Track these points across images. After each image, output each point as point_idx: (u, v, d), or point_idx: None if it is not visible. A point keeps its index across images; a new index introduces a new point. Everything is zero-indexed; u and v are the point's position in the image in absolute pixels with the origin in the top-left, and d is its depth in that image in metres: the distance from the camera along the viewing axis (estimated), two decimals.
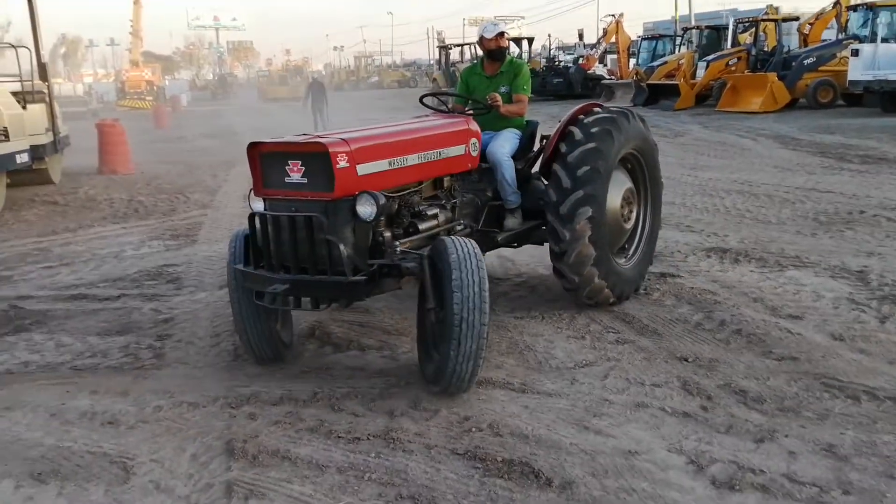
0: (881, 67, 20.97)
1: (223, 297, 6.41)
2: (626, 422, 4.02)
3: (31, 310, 6.26)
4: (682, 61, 28.68)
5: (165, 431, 4.05)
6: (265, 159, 4.47)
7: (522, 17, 58.99)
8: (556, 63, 38.26)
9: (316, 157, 4.31)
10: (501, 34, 5.97)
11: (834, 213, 9.02)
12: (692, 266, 6.98)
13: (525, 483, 3.45)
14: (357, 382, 4.61)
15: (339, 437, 3.92)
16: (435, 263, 4.22)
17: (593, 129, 5.53)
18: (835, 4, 26.35)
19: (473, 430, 3.94)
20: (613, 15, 34.30)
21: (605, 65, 37.69)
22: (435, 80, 39.47)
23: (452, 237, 4.34)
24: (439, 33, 51.65)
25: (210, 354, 5.19)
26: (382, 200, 4.31)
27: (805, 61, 24.39)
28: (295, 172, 4.35)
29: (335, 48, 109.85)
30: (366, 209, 4.34)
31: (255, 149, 4.48)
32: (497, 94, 5.79)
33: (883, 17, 23.19)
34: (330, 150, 4.25)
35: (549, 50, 43.16)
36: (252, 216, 4.43)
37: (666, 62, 29.89)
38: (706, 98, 26.94)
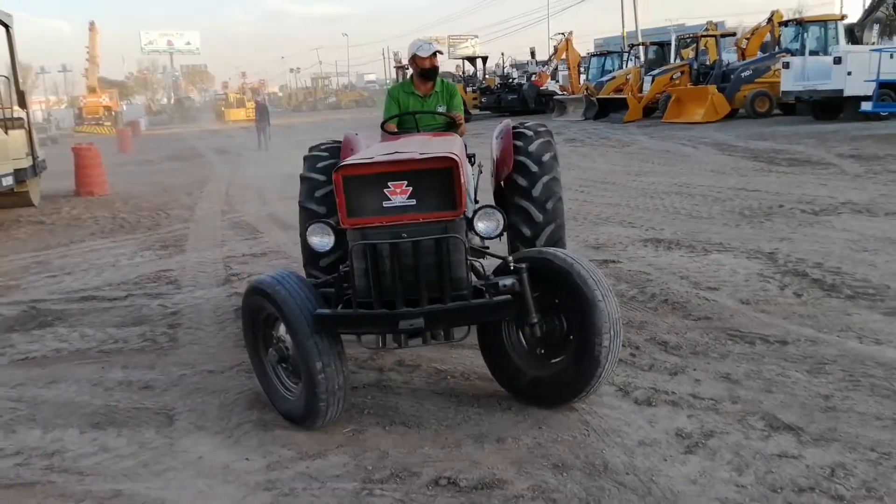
0: (810, 78, 22.47)
1: (220, 294, 7.33)
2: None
3: (49, 309, 7.06)
4: (630, 76, 30.12)
5: (194, 391, 4.94)
6: (352, 184, 3.99)
7: (476, 36, 60.58)
8: (510, 80, 39.62)
9: (432, 174, 3.99)
10: (435, 54, 5.75)
11: (757, 208, 10.15)
12: (631, 254, 8.02)
13: (491, 409, 4.41)
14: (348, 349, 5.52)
15: None
16: (537, 277, 4.13)
17: (544, 158, 5.64)
18: (769, 20, 27.97)
19: (449, 377, 4.89)
20: (563, 33, 35.76)
21: (557, 81, 39.11)
22: None
23: (554, 249, 4.39)
24: (395, 53, 52.68)
25: (219, 336, 6.06)
26: (502, 215, 4.17)
27: (742, 74, 25.96)
28: (398, 195, 3.95)
29: (291, 70, 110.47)
30: (489, 225, 4.17)
31: (341, 173, 4.00)
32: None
33: (812, 32, 24.88)
34: (455, 165, 3.98)
35: (503, 67, 44.50)
36: (363, 248, 3.94)
37: (614, 77, 31.32)
38: (653, 110, 28.31)
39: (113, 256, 9.58)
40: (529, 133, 5.86)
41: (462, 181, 3.99)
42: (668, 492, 3.48)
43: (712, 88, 25.32)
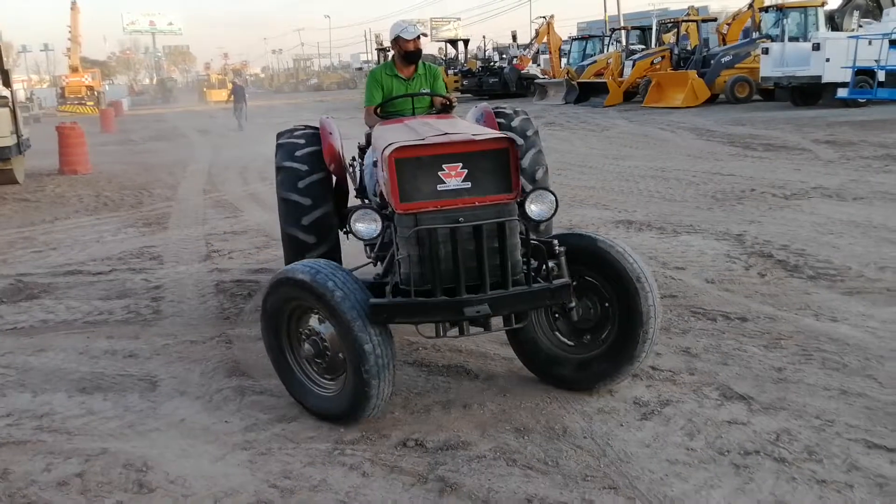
0: (789, 64, 22.76)
1: (202, 269, 7.52)
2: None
3: (35, 283, 7.23)
4: (611, 60, 30.32)
5: (176, 359, 5.16)
6: (405, 167, 3.83)
7: (459, 19, 60.44)
8: (492, 63, 39.73)
9: (487, 155, 3.89)
10: (419, 37, 5.64)
11: (730, 192, 10.41)
12: (602, 235, 8.24)
13: (459, 378, 4.65)
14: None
15: None
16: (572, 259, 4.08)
17: (528, 133, 5.84)
18: (749, 6, 28.20)
19: (420, 348, 5.10)
20: (545, 17, 35.85)
21: (539, 64, 39.26)
22: None
23: (589, 232, 4.44)
24: (377, 35, 52.57)
25: (200, 309, 6.27)
26: (555, 198, 4.10)
27: (723, 59, 26.22)
28: (453, 177, 3.82)
29: (273, 51, 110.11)
30: (542, 208, 4.08)
31: (394, 155, 3.81)
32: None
33: (792, 18, 25.14)
34: (512, 145, 3.91)
35: (485, 51, 44.58)
36: (424, 233, 3.78)
37: (595, 61, 31.50)
38: (633, 95, 28.56)
39: (97, 233, 9.72)
40: (509, 111, 6.06)
41: (518, 162, 3.92)
42: (622, 454, 3.71)
43: (692, 73, 25.57)
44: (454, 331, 4.02)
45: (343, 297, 3.73)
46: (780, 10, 26.07)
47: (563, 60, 36.20)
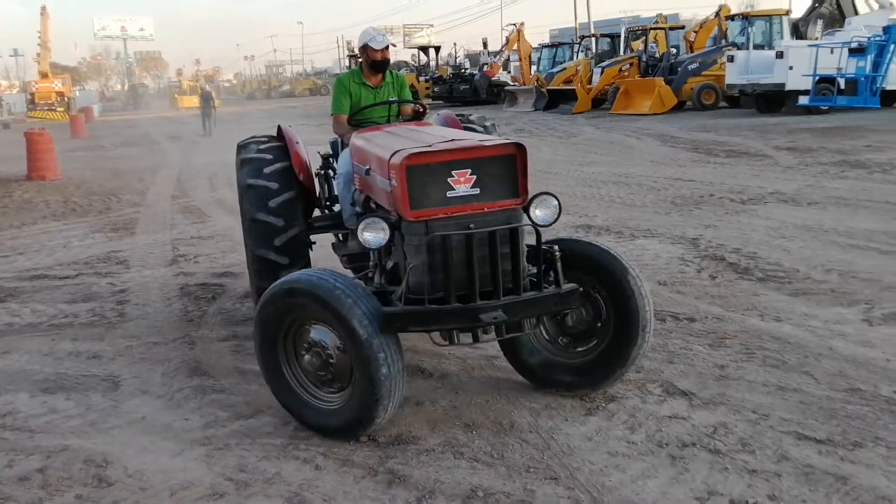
0: (754, 72, 23.22)
1: (168, 274, 7.62)
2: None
3: (1, 287, 7.30)
4: (580, 68, 30.68)
5: (139, 360, 5.28)
6: (415, 174, 3.78)
7: (431, 25, 60.74)
8: (463, 70, 40.03)
9: (495, 161, 3.90)
10: (387, 46, 5.61)
11: (689, 197, 10.67)
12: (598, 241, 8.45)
13: (414, 376, 4.80)
14: None
15: None
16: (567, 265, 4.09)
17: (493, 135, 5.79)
18: (716, 14, 28.71)
19: None
20: (515, 24, 36.19)
21: (509, 71, 39.60)
22: None
23: (591, 239, 4.55)
24: (348, 42, 52.69)
25: (165, 312, 6.38)
26: (559, 202, 4.10)
27: (689, 66, 26.69)
28: (462, 184, 3.81)
29: (246, 57, 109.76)
30: (546, 213, 4.08)
31: (405, 162, 3.76)
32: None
33: (757, 26, 25.67)
34: (522, 151, 3.92)
35: (456, 57, 44.86)
36: (438, 240, 3.74)
37: (564, 69, 31.86)
38: (602, 102, 28.94)
39: (64, 238, 9.77)
40: (473, 118, 6.21)
41: (526, 168, 3.93)
42: (565, 447, 3.89)
43: (659, 81, 26.00)
44: (465, 337, 4.01)
45: (354, 306, 3.65)
46: (746, 18, 26.67)
47: (533, 67, 36.58)
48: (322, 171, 5.87)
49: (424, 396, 4.51)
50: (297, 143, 5.57)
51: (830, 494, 3.37)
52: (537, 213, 4.02)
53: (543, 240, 4.14)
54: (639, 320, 4.20)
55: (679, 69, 26.73)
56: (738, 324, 5.58)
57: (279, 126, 5.87)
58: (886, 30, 19.60)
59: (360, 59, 5.74)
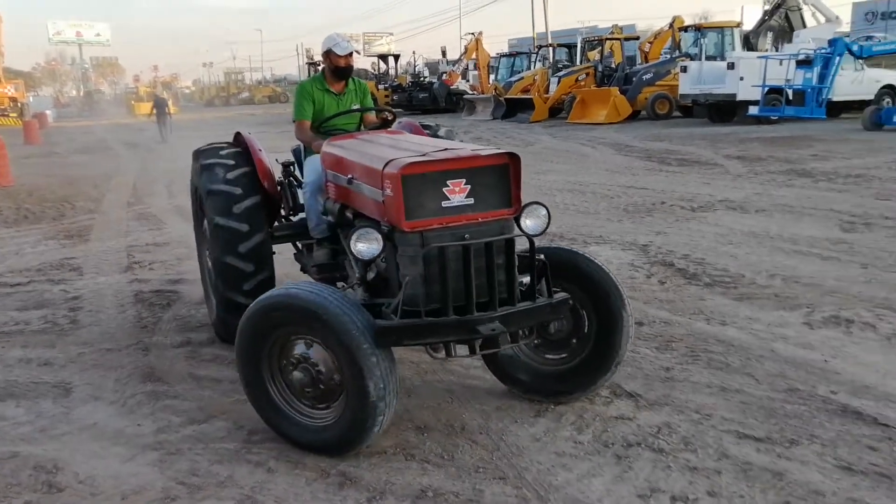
0: (706, 82, 23.73)
1: (122, 280, 7.57)
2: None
3: None
4: (537, 77, 31.01)
5: (91, 367, 5.26)
6: (411, 183, 3.70)
7: (391, 34, 60.81)
8: (422, 79, 40.20)
9: (489, 171, 3.84)
10: (351, 53, 5.55)
11: (641, 205, 10.89)
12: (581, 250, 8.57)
13: None
14: None
15: (230, 363, 5.21)
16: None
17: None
18: (670, 25, 29.25)
19: None
20: (473, 33, 36.47)
21: (468, 80, 39.86)
22: None
23: (575, 249, 4.54)
24: (308, 50, 52.55)
25: (118, 319, 6.35)
26: (548, 211, 4.08)
27: (644, 77, 27.16)
28: (457, 193, 3.75)
29: (204, 64, 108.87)
30: (537, 222, 4.04)
31: (401, 172, 3.67)
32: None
33: (710, 38, 26.23)
34: (516, 161, 3.89)
35: (415, 66, 45.03)
36: (436, 251, 3.68)
37: (522, 78, 32.17)
38: (559, 111, 29.26)
39: (16, 245, 9.63)
40: (434, 126, 6.25)
41: (519, 178, 3.90)
42: (514, 447, 3.98)
43: (615, 90, 26.41)
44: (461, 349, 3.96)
45: (348, 321, 3.57)
46: (699, 30, 27.26)
47: (492, 76, 36.86)
48: (284, 180, 5.78)
49: None
50: (260, 149, 5.53)
51: (767, 490, 3.50)
52: (527, 222, 3.99)
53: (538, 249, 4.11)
54: (622, 329, 4.27)
55: (634, 79, 27.20)
56: (684, 327, 5.73)
57: (238, 133, 5.83)
58: (832, 43, 20.18)
59: (322, 66, 5.66)
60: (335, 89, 5.57)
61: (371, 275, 4.17)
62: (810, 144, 17.28)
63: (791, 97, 20.87)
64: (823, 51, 20.11)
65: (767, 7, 28.30)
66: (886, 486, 3.49)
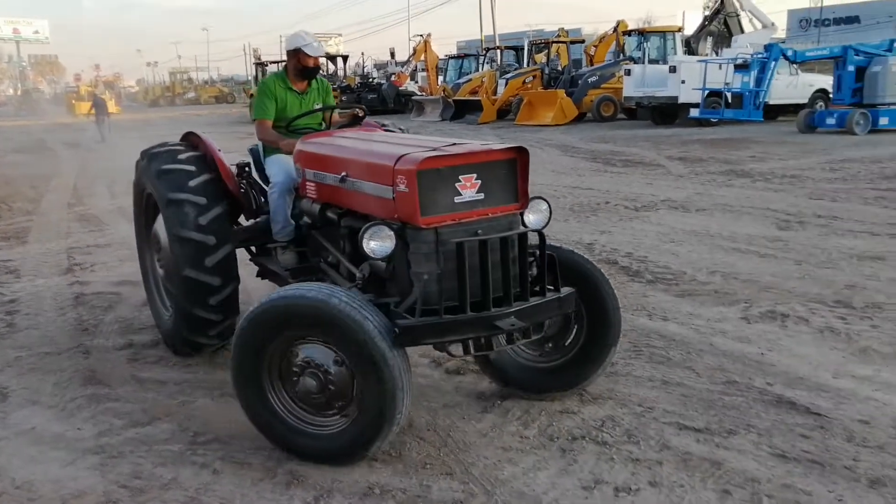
0: (649, 85, 24.15)
1: (62, 283, 7.41)
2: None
3: None
4: (485, 79, 31.19)
5: (29, 371, 5.13)
6: (425, 179, 3.64)
7: (340, 35, 60.55)
8: (370, 80, 40.10)
9: (498, 165, 3.83)
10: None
11: (587, 205, 11.04)
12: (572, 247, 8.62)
13: None
14: None
15: (175, 364, 5.19)
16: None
17: None
18: (614, 29, 29.70)
19: None
20: (422, 35, 36.50)
21: (416, 81, 39.88)
22: (252, 95, 40.11)
23: (568, 247, 4.60)
24: (255, 50, 52.07)
25: (58, 322, 6.21)
26: (549, 206, 4.09)
27: (590, 79, 27.53)
28: (469, 189, 3.72)
29: (149, 63, 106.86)
30: (539, 217, 4.05)
31: (417, 167, 3.61)
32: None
33: (652, 42, 26.71)
34: (525, 155, 3.87)
35: (363, 67, 44.93)
36: (449, 248, 3.63)
37: (470, 80, 32.32)
38: (507, 113, 29.46)
39: None
40: (391, 126, 6.16)
41: (527, 173, 3.88)
42: (461, 443, 4.01)
43: (561, 93, 26.70)
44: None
45: (365, 322, 3.47)
46: (642, 34, 27.73)
47: (440, 78, 36.94)
48: (240, 182, 5.49)
49: None
50: (219, 150, 5.30)
51: (706, 478, 3.60)
52: (531, 217, 3.99)
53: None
54: (613, 324, 4.37)
55: (580, 82, 27.53)
56: (627, 323, 5.80)
57: (190, 133, 5.56)
58: (768, 48, 20.72)
59: (284, 64, 5.49)
60: (298, 88, 5.41)
61: (364, 273, 4.06)
62: (748, 146, 17.74)
63: (730, 100, 21.39)
64: (760, 55, 20.62)
65: (708, 13, 28.97)
66: (818, 472, 3.61)
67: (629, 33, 28.48)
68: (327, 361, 3.64)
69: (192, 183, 4.89)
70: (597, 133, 22.58)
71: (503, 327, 3.65)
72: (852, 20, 55.90)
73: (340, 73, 40.44)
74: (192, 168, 5.01)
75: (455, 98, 31.15)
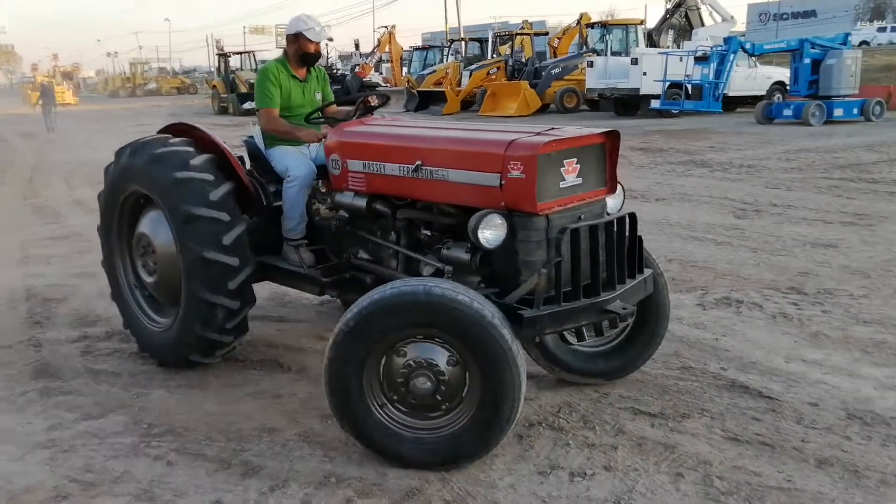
0: (612, 77, 24.31)
1: (14, 275, 7.27)
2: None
3: None
4: (449, 70, 31.14)
5: None
6: (540, 163, 3.58)
7: None
8: (334, 71, 39.81)
9: (594, 150, 3.85)
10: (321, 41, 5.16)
11: None
12: None
13: (272, 370, 4.84)
14: None
15: (129, 356, 5.13)
16: None
17: None
18: (578, 22, 29.81)
19: (237, 347, 5.19)
20: (387, 26, 36.36)
21: (381, 73, 39.68)
22: (215, 86, 39.64)
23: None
24: (218, 41, 51.30)
25: (9, 315, 6.08)
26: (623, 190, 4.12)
27: (553, 71, 27.61)
28: (570, 173, 3.71)
29: (108, 54, 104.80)
30: (617, 201, 4.12)
31: (537, 151, 3.56)
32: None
33: (615, 34, 26.87)
34: (611, 139, 3.91)
35: (328, 58, 44.56)
36: (564, 234, 3.58)
37: (435, 71, 32.23)
38: (471, 104, 29.45)
39: None
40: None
41: (617, 156, 3.92)
42: None
43: (525, 84, 26.76)
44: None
45: (492, 316, 3.34)
46: (605, 26, 27.87)
47: (405, 69, 36.80)
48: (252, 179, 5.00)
49: (282, 389, 4.54)
50: (224, 142, 4.84)
51: (660, 462, 3.64)
52: (610, 202, 4.02)
53: None
54: (665, 307, 4.45)
55: (543, 73, 27.60)
56: None
57: (180, 123, 5.04)
58: (727, 41, 20.96)
59: (284, 49, 5.16)
60: (300, 75, 5.11)
61: (450, 265, 3.93)
62: (708, 137, 17.95)
63: (690, 92, 21.62)
64: (719, 48, 20.86)
65: (669, 6, 29.16)
66: (768, 453, 3.68)
67: (592, 26, 28.58)
68: (440, 360, 3.48)
69: (214, 196, 4.42)
70: (560, 124, 22.58)
71: (617, 311, 3.66)
72: (809, 14, 56.83)
73: None
74: (211, 177, 4.49)
75: (419, 89, 31.06)
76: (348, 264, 4.62)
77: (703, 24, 27.51)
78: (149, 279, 4.96)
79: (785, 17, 58.54)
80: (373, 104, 5.00)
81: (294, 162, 4.80)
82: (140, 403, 4.39)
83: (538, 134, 3.74)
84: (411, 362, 3.50)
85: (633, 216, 3.89)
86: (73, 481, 3.58)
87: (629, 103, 24.23)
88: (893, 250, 7.31)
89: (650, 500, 3.33)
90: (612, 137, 3.90)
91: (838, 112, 19.90)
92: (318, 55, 5.15)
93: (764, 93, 23.68)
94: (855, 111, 20.20)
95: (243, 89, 33.65)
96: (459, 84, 30.15)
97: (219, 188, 4.46)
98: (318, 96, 5.19)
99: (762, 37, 40.49)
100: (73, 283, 6.96)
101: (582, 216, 3.73)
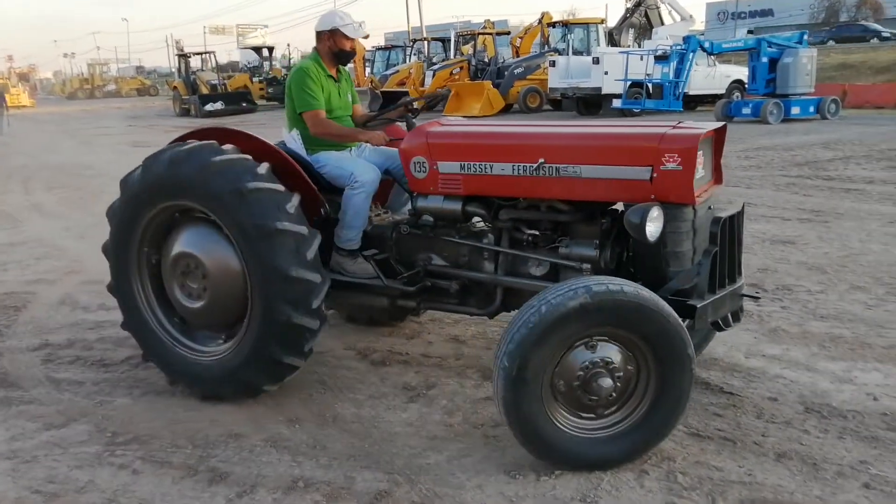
0: (573, 76, 24.49)
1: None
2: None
3: None
4: (412, 70, 31.16)
5: None
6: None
7: (266, 26, 59.52)
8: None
9: (709, 143, 3.99)
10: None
11: None
12: None
13: None
14: (105, 331, 5.68)
15: (92, 364, 5.08)
16: None
17: None
18: (539, 21, 30.00)
19: None
20: None
21: None
22: (176, 88, 39.24)
23: None
24: (178, 41, 50.81)
25: None
26: None
27: (515, 71, 27.75)
28: (700, 165, 3.77)
29: (65, 55, 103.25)
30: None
31: (699, 138, 3.70)
32: None
33: (576, 34, 27.10)
34: (719, 133, 4.04)
35: (290, 59, 44.37)
36: (718, 224, 3.75)
37: (398, 71, 32.24)
38: (436, 104, 29.46)
39: None
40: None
41: (722, 149, 4.06)
42: (387, 433, 4.03)
43: (488, 84, 26.85)
44: None
45: (672, 312, 3.33)
46: (566, 25, 28.08)
47: (367, 69, 36.72)
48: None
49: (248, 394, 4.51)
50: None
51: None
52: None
53: None
54: None
55: (506, 73, 27.73)
56: None
57: (211, 129, 4.58)
58: (686, 40, 21.26)
59: (316, 47, 4.88)
60: (334, 74, 4.87)
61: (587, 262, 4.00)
62: None
63: (651, 90, 21.88)
64: (679, 47, 21.13)
65: (629, 5, 29.51)
66: (729, 448, 3.75)
67: (554, 25, 28.81)
68: (618, 360, 3.45)
69: (290, 207, 4.08)
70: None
71: (753, 294, 3.98)
72: (766, 13, 57.81)
73: (266, 64, 39.84)
74: (281, 189, 4.14)
75: (383, 89, 30.99)
76: (425, 272, 4.52)
77: (662, 23, 27.87)
78: (192, 304, 4.42)
79: (743, 15, 59.52)
80: (416, 107, 4.95)
81: (359, 167, 4.56)
82: (104, 411, 4.35)
83: (675, 127, 3.83)
84: (588, 361, 3.42)
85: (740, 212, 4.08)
86: (36, 492, 3.54)
87: (591, 102, 24.42)
88: (848, 246, 7.48)
89: (615, 498, 3.37)
90: (721, 131, 4.06)
91: (795, 110, 20.27)
92: (353, 53, 4.98)
93: (723, 91, 24.06)
94: (811, 109, 20.60)
95: (205, 90, 33.33)
96: (423, 84, 30.16)
97: (292, 199, 4.13)
98: (349, 97, 4.96)
99: (720, 35, 41.11)
100: (33, 291, 6.85)
101: (710, 206, 3.93)
